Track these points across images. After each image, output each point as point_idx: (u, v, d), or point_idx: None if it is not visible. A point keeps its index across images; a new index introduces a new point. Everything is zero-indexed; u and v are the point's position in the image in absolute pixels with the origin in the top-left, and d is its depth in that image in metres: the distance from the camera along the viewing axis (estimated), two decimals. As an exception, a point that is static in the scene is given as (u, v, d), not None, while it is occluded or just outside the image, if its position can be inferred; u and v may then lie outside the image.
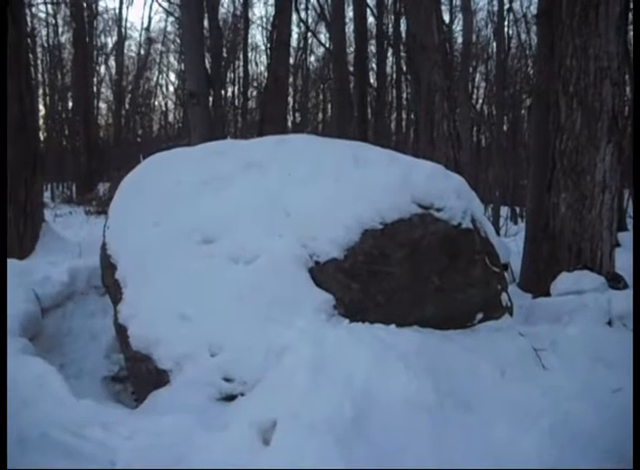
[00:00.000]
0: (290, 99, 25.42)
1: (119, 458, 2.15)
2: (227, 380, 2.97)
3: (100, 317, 4.58)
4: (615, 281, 4.49)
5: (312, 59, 30.46)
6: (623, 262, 5.44)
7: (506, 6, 17.91)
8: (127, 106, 30.98)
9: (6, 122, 5.74)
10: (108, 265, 3.85)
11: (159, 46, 32.25)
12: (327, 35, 22.27)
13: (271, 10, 24.54)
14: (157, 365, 3.17)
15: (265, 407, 2.47)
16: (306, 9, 24.48)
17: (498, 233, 10.49)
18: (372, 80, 19.52)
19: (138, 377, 3.43)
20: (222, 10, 24.17)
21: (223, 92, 23.94)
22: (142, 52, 31.90)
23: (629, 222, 13.68)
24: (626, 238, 10.56)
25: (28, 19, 21.15)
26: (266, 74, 18.81)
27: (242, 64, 25.83)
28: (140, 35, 31.77)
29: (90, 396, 3.02)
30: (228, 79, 28.13)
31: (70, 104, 26.32)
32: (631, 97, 9.35)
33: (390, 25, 21.38)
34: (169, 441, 2.22)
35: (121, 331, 3.45)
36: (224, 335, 3.10)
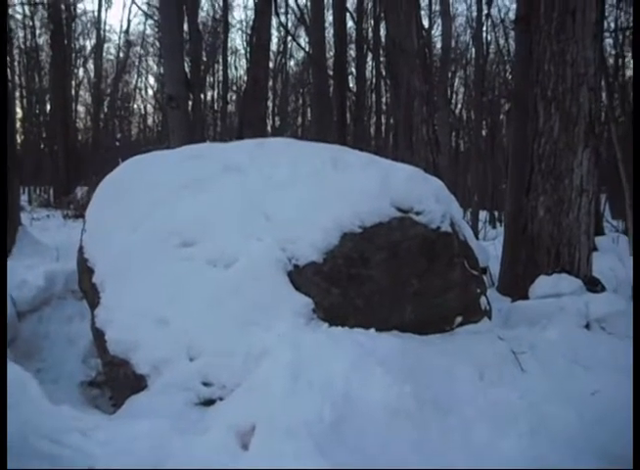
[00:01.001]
0: (269, 103, 25.45)
1: (97, 464, 2.12)
2: (206, 384, 2.95)
3: (77, 322, 4.53)
4: (592, 284, 4.54)
5: (292, 63, 30.52)
6: (600, 266, 5.50)
7: (484, 12, 18.06)
8: (106, 109, 30.81)
9: (6, 122, 5.66)
10: (85, 269, 3.81)
11: (138, 49, 32.13)
12: (306, 39, 22.27)
13: (251, 14, 24.56)
14: (134, 370, 3.14)
15: (244, 412, 2.46)
16: (286, 13, 24.54)
17: (477, 237, 10.55)
18: (351, 85, 19.56)
19: (116, 382, 3.39)
20: (202, 13, 24.18)
21: (203, 96, 23.90)
22: (121, 55, 31.75)
23: (606, 227, 13.84)
24: (603, 242, 10.70)
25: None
26: (246, 78, 18.82)
27: (221, 67, 25.85)
28: (119, 38, 31.69)
29: (67, 401, 2.99)
30: (207, 83, 28.11)
31: (48, 107, 26.09)
32: (632, 96, 9.46)
33: (370, 30, 21.48)
34: (147, 445, 2.20)
35: (99, 335, 3.42)
36: (203, 339, 3.08)
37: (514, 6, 13.93)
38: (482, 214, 18.01)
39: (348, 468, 1.88)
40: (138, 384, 3.10)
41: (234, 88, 30.31)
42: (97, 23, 29.13)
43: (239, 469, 1.86)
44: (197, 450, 2.09)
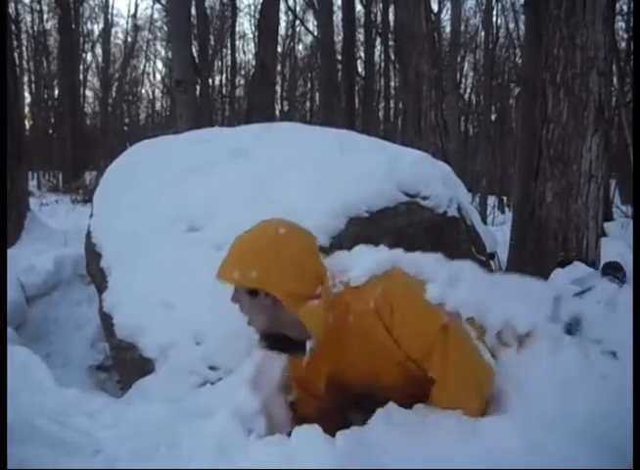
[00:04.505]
0: (277, 87, 25.36)
1: (103, 447, 2.14)
2: (212, 368, 2.97)
3: (86, 306, 4.56)
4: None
5: (300, 47, 30.43)
6: (609, 252, 5.47)
7: (494, -5, 17.92)
8: (114, 94, 30.83)
9: (6, 120, 5.68)
10: (92, 254, 3.83)
11: (145, 34, 32.09)
12: (315, 24, 22.16)
13: (259, -2, 24.40)
14: (141, 354, 3.15)
15: (250, 395, 2.47)
16: (295, -3, 24.40)
17: (485, 222, 10.54)
18: (360, 69, 19.50)
19: (123, 366, 3.42)
20: (210, -3, 24.04)
21: (210, 80, 23.86)
22: (129, 39, 31.73)
23: (615, 212, 13.77)
24: (612, 228, 10.65)
25: (12, 4, 20.95)
26: (254, 63, 18.76)
27: (229, 52, 25.79)
28: (127, 23, 31.67)
29: (76, 385, 3.01)
30: (215, 67, 28.06)
31: (57, 92, 26.12)
32: (633, 90, 9.39)
33: (379, 14, 21.34)
34: (153, 429, 2.22)
35: (106, 320, 3.44)
36: (209, 323, 3.09)
37: (524, -11, 13.80)
38: (491, 199, 17.95)
39: (354, 468, 1.88)
40: (145, 367, 3.12)
41: (242, 73, 30.28)
42: (105, 7, 29.18)
43: (239, 469, 1.88)
44: (202, 434, 2.10)
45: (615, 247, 6.62)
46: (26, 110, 26.90)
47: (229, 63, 26.99)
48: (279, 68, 24.80)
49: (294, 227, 2.28)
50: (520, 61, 19.53)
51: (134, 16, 31.36)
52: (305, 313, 2.11)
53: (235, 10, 22.71)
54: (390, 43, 19.75)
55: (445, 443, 2.00)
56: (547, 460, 1.87)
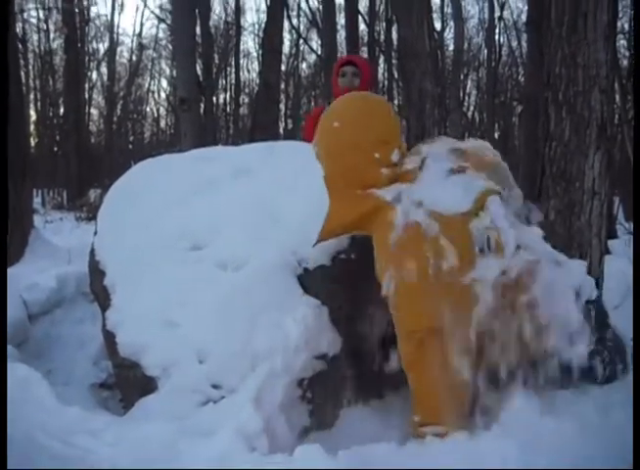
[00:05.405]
0: (281, 106, 25.46)
1: (105, 465, 2.14)
2: (215, 387, 2.96)
3: (89, 324, 4.55)
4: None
5: (304, 66, 30.55)
6: (612, 269, 5.46)
7: (497, 14, 18.03)
8: (119, 112, 30.96)
9: (7, 123, 5.70)
10: (96, 272, 3.83)
11: (150, 52, 32.29)
12: (318, 42, 22.31)
13: (263, 17, 24.63)
14: (144, 372, 3.15)
15: (253, 414, 2.46)
16: (298, 16, 24.62)
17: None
18: (363, 87, 19.52)
19: (126, 384, 3.41)
20: (214, 16, 24.25)
21: (215, 98, 23.99)
22: (134, 58, 31.92)
23: (619, 229, 13.73)
24: (616, 245, 10.61)
25: (20, 24, 21.14)
26: (258, 81, 18.83)
27: (234, 70, 25.88)
28: (132, 41, 31.80)
29: (78, 403, 3.00)
30: (220, 86, 28.21)
31: (62, 110, 26.25)
32: (632, 97, 9.42)
33: (382, 32, 21.48)
34: (155, 447, 2.21)
35: (109, 338, 3.43)
36: (212, 341, 3.09)
37: (526, 8, 13.90)
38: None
39: (351, 467, 1.89)
40: (148, 386, 3.11)
41: (246, 91, 30.43)
42: (110, 26, 29.33)
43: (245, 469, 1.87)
44: (204, 452, 2.10)
45: (618, 264, 6.59)
46: (32, 127, 27.03)
47: (233, 81, 27.05)
48: (283, 86, 24.95)
49: None
50: (522, 79, 19.63)
51: (139, 35, 31.57)
52: None
53: (239, 29, 22.88)
54: (394, 61, 19.88)
55: (445, 460, 2.01)
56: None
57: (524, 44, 19.01)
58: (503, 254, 2.61)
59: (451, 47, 20.64)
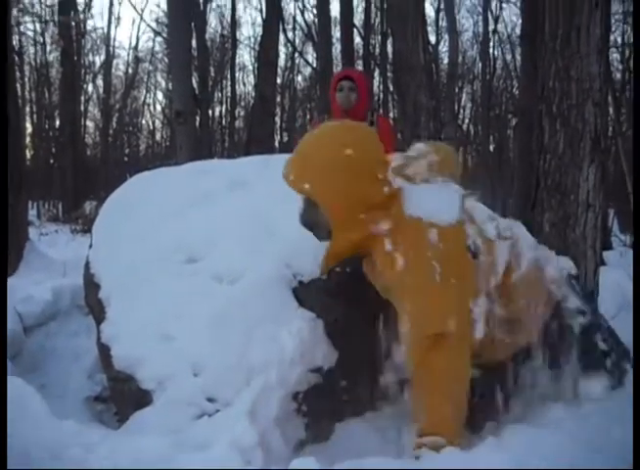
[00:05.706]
0: (277, 119, 25.53)
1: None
2: (210, 400, 2.95)
3: (84, 337, 4.54)
4: None
5: (299, 79, 30.66)
6: (607, 281, 5.47)
7: (491, 27, 18.15)
8: (115, 124, 31.02)
9: (7, 127, 5.70)
10: (91, 284, 3.82)
11: (146, 65, 32.38)
12: (314, 55, 22.39)
13: (259, 30, 24.71)
14: (139, 385, 3.14)
15: (248, 427, 2.46)
16: (294, 29, 24.76)
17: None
18: (359, 100, 19.58)
19: (121, 397, 3.40)
20: (210, 30, 24.36)
21: (210, 111, 24.03)
22: (130, 71, 32.00)
23: (614, 241, 13.78)
24: (611, 257, 10.66)
25: (16, 36, 21.19)
26: (254, 94, 18.90)
27: (229, 83, 25.99)
28: (128, 54, 31.91)
29: (73, 416, 2.99)
30: (215, 99, 28.27)
31: (58, 122, 26.26)
32: (632, 100, 9.45)
33: (377, 46, 21.59)
34: (150, 461, 2.20)
35: (104, 351, 3.42)
36: (207, 355, 3.08)
37: (520, 22, 14.00)
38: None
39: (345, 468, 1.88)
40: (143, 399, 3.10)
41: (242, 104, 30.51)
42: (106, 39, 29.44)
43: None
44: (199, 466, 2.09)
45: (613, 275, 6.62)
46: (28, 139, 27.03)
47: (229, 94, 27.18)
48: (278, 99, 24.99)
49: None
50: (517, 92, 19.73)
51: (135, 48, 31.69)
52: None
53: (235, 42, 22.96)
54: (389, 74, 19.96)
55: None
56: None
57: (518, 57, 19.14)
58: (494, 257, 2.68)
59: (446, 60, 20.78)
